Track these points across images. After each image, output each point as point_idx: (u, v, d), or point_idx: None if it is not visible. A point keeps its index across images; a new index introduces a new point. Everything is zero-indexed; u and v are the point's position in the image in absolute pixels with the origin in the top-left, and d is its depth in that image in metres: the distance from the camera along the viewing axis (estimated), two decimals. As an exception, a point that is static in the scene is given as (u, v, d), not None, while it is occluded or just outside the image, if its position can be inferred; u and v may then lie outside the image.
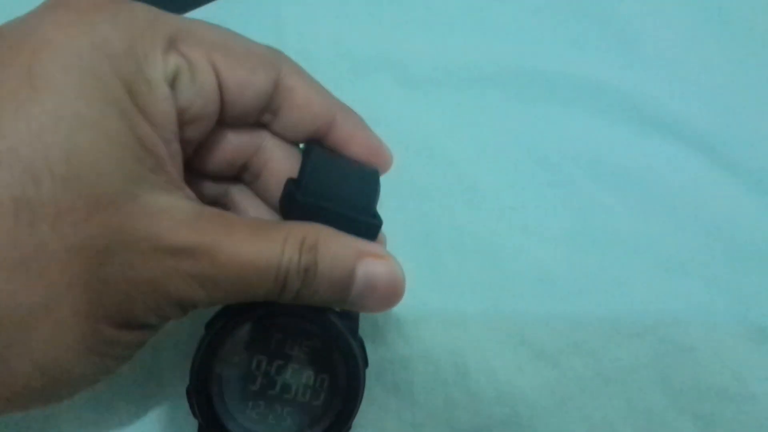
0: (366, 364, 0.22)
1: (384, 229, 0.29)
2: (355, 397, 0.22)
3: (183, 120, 0.20)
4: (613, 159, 0.30)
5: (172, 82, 0.19)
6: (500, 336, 0.27)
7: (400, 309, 0.28)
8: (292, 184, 0.21)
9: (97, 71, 0.17)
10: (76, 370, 0.18)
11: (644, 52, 0.32)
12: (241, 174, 0.24)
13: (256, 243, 0.18)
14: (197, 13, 0.33)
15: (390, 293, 0.21)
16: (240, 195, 0.24)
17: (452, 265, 0.28)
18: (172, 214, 0.18)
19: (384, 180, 0.30)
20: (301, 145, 0.24)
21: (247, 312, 0.21)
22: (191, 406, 0.21)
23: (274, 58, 0.21)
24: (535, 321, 0.27)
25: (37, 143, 0.16)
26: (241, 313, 0.21)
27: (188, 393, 0.21)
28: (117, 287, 0.17)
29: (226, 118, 0.21)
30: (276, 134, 0.23)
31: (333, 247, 0.20)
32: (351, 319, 0.22)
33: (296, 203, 0.21)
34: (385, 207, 0.29)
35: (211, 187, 0.24)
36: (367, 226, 0.22)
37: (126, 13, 0.18)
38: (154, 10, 0.19)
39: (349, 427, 0.22)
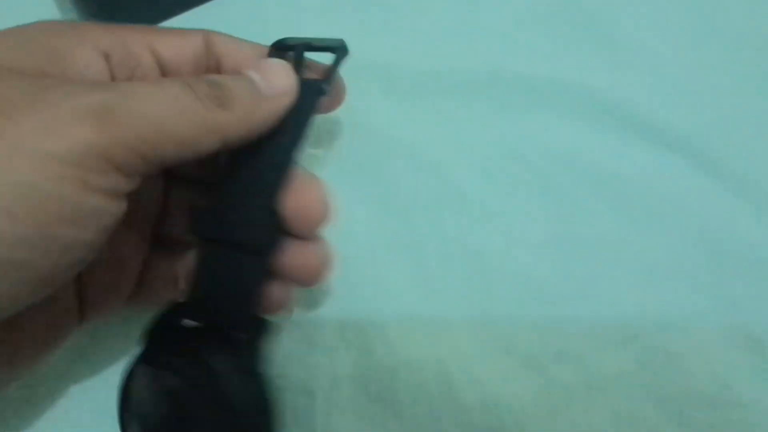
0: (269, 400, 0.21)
1: (369, 235, 0.29)
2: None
3: None
4: (599, 165, 0.30)
5: (107, 55, 0.21)
6: (486, 344, 0.27)
7: (385, 316, 0.28)
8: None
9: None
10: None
11: (630, 58, 0.32)
12: None
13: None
14: (182, 18, 0.33)
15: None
16: None
17: (438, 273, 0.28)
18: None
19: (370, 186, 0.30)
20: None
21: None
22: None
23: (200, 30, 0.24)
24: (521, 328, 0.27)
25: None
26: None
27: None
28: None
29: None
30: None
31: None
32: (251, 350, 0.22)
33: None
34: (370, 214, 0.29)
35: None
36: None
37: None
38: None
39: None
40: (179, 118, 0.19)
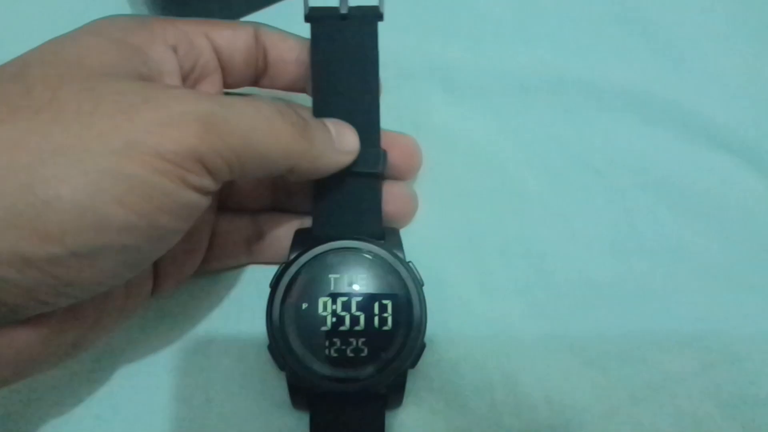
0: (421, 282, 0.24)
1: (431, 233, 0.29)
2: (420, 313, 0.24)
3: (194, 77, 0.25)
4: (660, 168, 0.30)
5: (175, 48, 0.23)
6: (548, 342, 0.27)
7: (447, 313, 0.28)
8: None
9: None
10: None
11: (691, 64, 0.32)
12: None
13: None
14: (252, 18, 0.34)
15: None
16: None
17: (499, 271, 0.29)
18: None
19: (431, 185, 0.30)
20: None
21: (298, 260, 0.24)
22: (277, 361, 0.24)
23: (250, 21, 0.26)
24: (582, 328, 0.27)
25: None
26: (293, 263, 0.24)
27: (270, 350, 0.24)
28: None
29: (227, 78, 0.26)
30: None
31: None
32: (396, 248, 0.25)
33: None
34: (431, 212, 0.30)
35: None
36: None
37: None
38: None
39: (423, 344, 0.24)
40: (268, 137, 0.21)
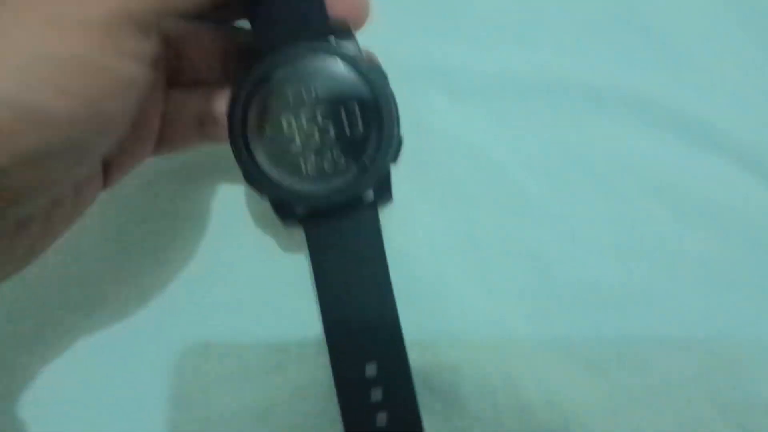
0: (384, 75, 0.23)
1: (431, 235, 0.29)
2: (389, 103, 0.23)
3: None
4: (661, 172, 0.30)
5: None
6: (548, 345, 0.27)
7: (448, 315, 0.28)
8: None
9: None
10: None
11: (692, 69, 0.32)
12: None
13: None
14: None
15: None
16: None
17: (500, 273, 0.29)
18: None
19: (431, 186, 0.30)
20: None
21: (245, 82, 0.22)
22: (254, 188, 0.22)
23: None
24: (583, 331, 0.27)
25: None
26: (242, 87, 0.22)
27: (249, 182, 0.22)
28: None
29: None
30: None
31: None
32: (348, 42, 0.23)
33: None
34: (432, 213, 0.30)
35: None
36: None
37: None
38: None
39: (400, 138, 0.23)
40: None
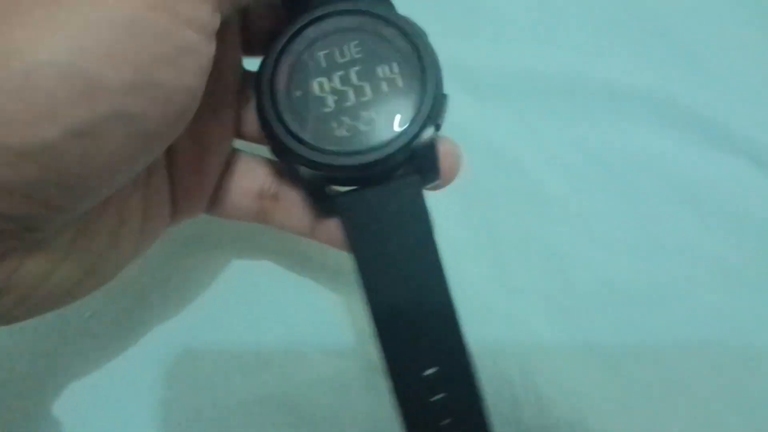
0: (423, 32, 0.21)
1: (451, 234, 0.30)
2: (431, 58, 0.21)
3: None
4: (679, 171, 0.30)
5: None
6: (567, 342, 0.28)
7: (467, 313, 0.28)
8: None
9: None
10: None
11: (708, 69, 0.32)
12: None
13: None
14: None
15: None
16: None
17: (518, 270, 0.29)
18: None
19: (451, 184, 0.31)
20: None
21: (279, 44, 0.21)
22: (288, 162, 0.21)
23: None
24: (600, 328, 0.28)
25: None
26: (275, 51, 0.21)
27: (277, 155, 0.21)
28: None
29: None
30: None
31: None
32: (382, 2, 0.21)
33: None
34: (451, 211, 0.30)
35: None
36: None
37: None
38: None
39: (444, 97, 0.21)
40: None
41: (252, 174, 0.24)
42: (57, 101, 0.14)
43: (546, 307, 0.28)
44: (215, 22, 0.17)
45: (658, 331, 0.28)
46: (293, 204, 0.24)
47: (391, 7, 0.22)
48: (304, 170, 0.21)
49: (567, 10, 0.33)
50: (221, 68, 0.20)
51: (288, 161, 0.21)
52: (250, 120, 0.23)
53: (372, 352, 0.27)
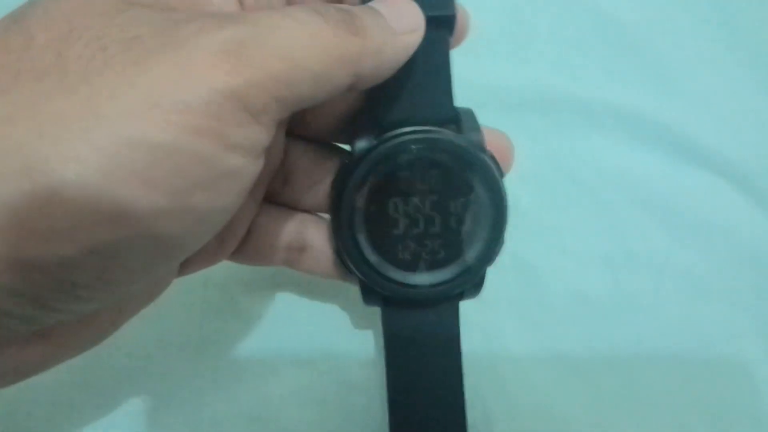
0: (502, 174, 0.22)
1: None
2: (503, 209, 0.22)
3: None
4: (648, 185, 0.31)
5: None
6: (537, 352, 0.28)
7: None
8: None
9: None
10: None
11: (678, 84, 0.33)
12: None
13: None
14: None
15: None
16: None
17: (490, 282, 0.29)
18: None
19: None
20: None
21: (364, 161, 0.21)
22: (347, 266, 0.22)
23: None
24: (571, 340, 0.28)
25: None
26: (358, 165, 0.21)
27: (340, 256, 0.22)
28: None
29: None
30: None
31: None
32: (473, 134, 0.22)
33: None
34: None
35: None
36: None
37: None
38: None
39: (503, 241, 0.22)
40: (311, 48, 0.16)
41: (280, 230, 0.24)
42: (80, 222, 0.14)
43: (518, 319, 0.29)
44: (266, 139, 0.16)
45: (629, 342, 0.28)
46: (322, 254, 0.24)
47: (480, 135, 0.22)
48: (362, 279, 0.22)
49: (538, 26, 0.34)
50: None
51: (349, 267, 0.22)
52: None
53: (348, 365, 0.27)
